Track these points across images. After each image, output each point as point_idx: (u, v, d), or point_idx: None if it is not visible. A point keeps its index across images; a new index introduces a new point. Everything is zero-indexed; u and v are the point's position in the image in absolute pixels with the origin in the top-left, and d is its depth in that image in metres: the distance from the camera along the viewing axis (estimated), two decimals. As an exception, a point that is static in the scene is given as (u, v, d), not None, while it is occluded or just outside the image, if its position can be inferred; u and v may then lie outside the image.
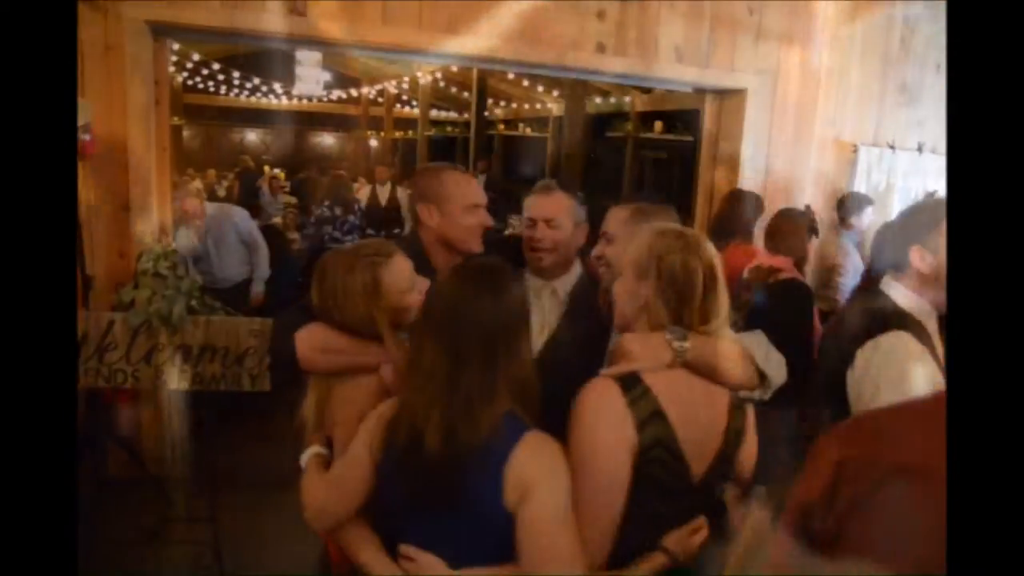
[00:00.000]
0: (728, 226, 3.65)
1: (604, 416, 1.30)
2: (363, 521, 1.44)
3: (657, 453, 1.31)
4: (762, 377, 1.47)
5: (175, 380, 2.81)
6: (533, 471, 1.24)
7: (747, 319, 1.90)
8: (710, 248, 1.43)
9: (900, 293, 1.68)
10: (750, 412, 1.52)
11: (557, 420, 1.53)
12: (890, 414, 1.01)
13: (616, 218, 1.92)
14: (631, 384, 1.32)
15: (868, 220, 4.36)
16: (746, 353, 1.45)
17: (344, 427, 1.52)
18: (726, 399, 1.43)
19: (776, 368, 1.50)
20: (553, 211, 1.96)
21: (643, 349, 1.36)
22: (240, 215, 4.72)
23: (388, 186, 7.04)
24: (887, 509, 0.91)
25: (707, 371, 1.39)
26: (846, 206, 4.39)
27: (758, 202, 3.87)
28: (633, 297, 1.44)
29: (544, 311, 1.97)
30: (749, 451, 1.53)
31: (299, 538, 3.18)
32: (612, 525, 1.30)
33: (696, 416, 1.37)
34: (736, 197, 3.96)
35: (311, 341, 1.58)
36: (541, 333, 1.93)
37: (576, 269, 2.04)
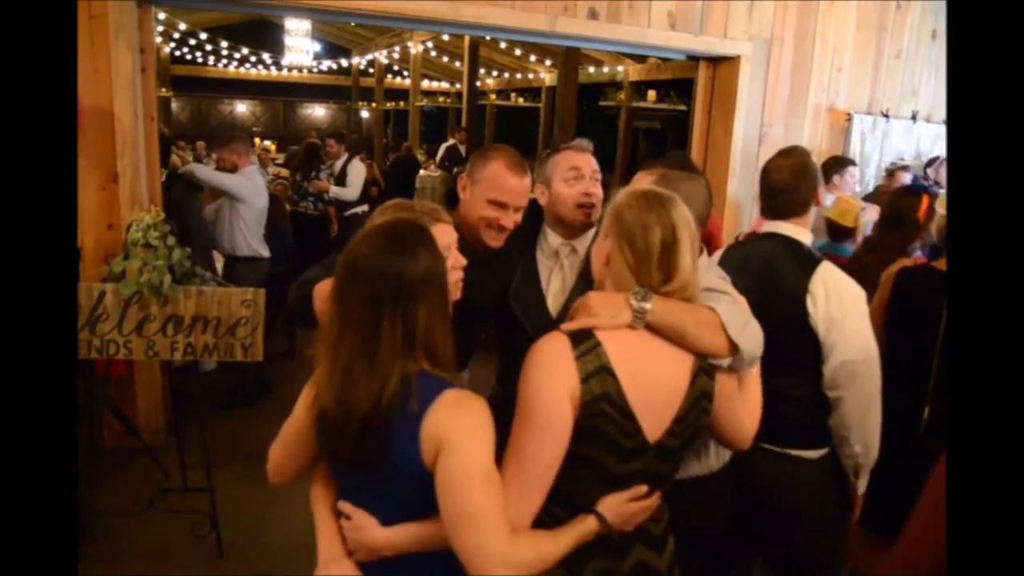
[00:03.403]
0: None
1: (548, 366, 1.31)
2: (323, 474, 1.48)
3: (602, 407, 1.30)
4: (735, 347, 1.43)
5: (167, 351, 2.80)
6: (449, 429, 1.22)
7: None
8: (678, 210, 1.40)
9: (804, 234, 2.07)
10: (753, 383, 1.52)
11: None
12: None
13: (639, 184, 1.89)
14: (581, 338, 1.33)
15: (852, 181, 4.39)
16: (718, 322, 1.42)
17: None
18: (689, 363, 1.40)
19: (751, 340, 1.46)
20: (596, 165, 1.96)
21: (602, 307, 1.36)
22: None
23: (341, 161, 6.66)
24: None
25: (674, 336, 1.37)
26: (828, 167, 4.41)
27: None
28: (599, 254, 1.46)
29: (565, 271, 1.97)
30: (740, 419, 1.53)
31: (295, 506, 3.23)
32: (547, 475, 1.30)
33: (651, 376, 1.36)
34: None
35: (323, 292, 1.55)
36: (563, 292, 1.94)
37: (590, 233, 2.01)
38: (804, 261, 2.00)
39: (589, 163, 1.96)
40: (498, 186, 1.87)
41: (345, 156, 6.67)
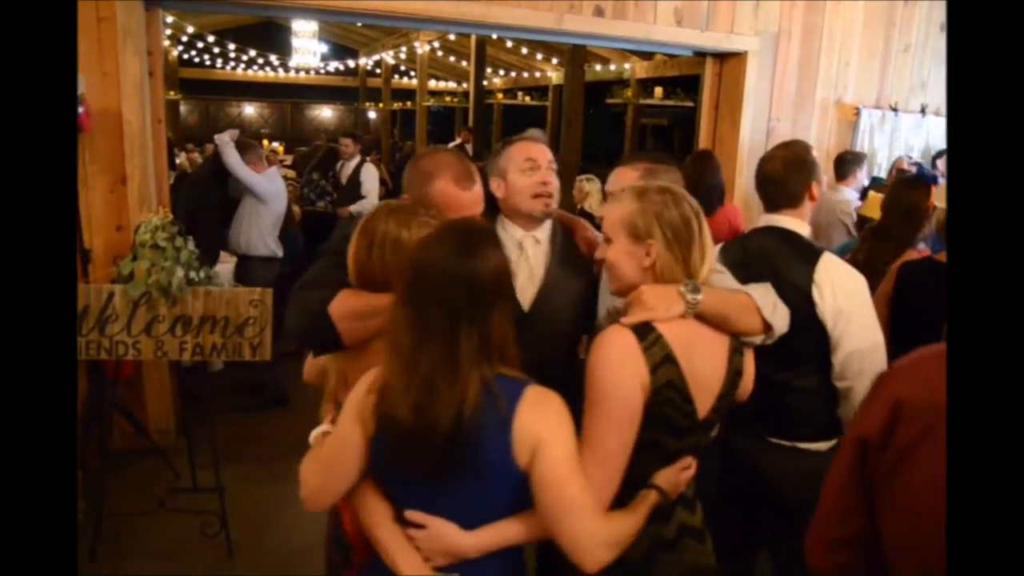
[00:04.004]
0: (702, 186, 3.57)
1: (622, 360, 1.37)
2: (375, 492, 1.40)
3: (668, 394, 1.40)
4: (767, 327, 1.57)
5: (176, 351, 2.82)
6: (540, 427, 1.26)
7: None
8: (691, 198, 1.52)
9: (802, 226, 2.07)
10: (748, 354, 1.61)
11: (554, 367, 1.59)
12: (943, 355, 0.98)
13: (624, 179, 1.92)
14: (645, 331, 1.40)
15: (862, 175, 4.39)
16: (754, 305, 1.56)
17: None
18: (727, 344, 1.52)
19: (781, 319, 1.61)
20: (551, 158, 1.98)
21: (658, 300, 1.43)
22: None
23: (354, 162, 6.35)
24: (940, 450, 0.90)
25: (719, 321, 1.49)
26: (847, 162, 4.39)
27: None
28: (633, 258, 1.50)
29: (531, 261, 1.98)
30: (746, 384, 1.64)
31: (303, 508, 3.24)
32: (623, 461, 1.38)
33: (702, 360, 1.46)
34: (701, 156, 3.89)
35: (347, 310, 1.53)
36: (532, 282, 1.96)
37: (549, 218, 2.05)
38: (805, 253, 2.00)
39: (544, 153, 1.98)
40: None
41: (358, 158, 6.46)
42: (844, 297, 1.91)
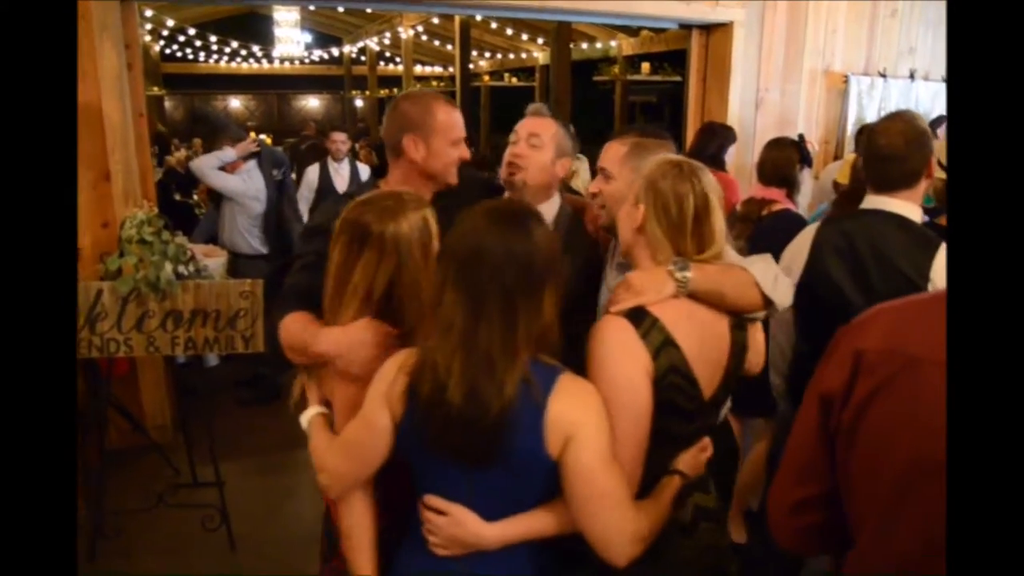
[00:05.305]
0: (696, 156, 3.58)
1: (622, 350, 1.34)
2: (366, 509, 1.41)
3: (672, 379, 1.36)
4: (768, 302, 1.49)
5: (168, 346, 2.79)
6: (574, 416, 1.21)
7: (746, 251, 1.88)
8: (707, 178, 1.45)
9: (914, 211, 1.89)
10: (753, 327, 1.56)
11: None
12: (907, 307, 1.00)
13: (614, 154, 1.85)
14: (640, 317, 1.36)
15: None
16: (752, 280, 1.48)
17: (345, 384, 1.44)
18: (726, 320, 1.47)
19: (783, 293, 1.53)
20: (539, 130, 1.95)
21: (646, 282, 1.39)
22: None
23: (346, 166, 5.41)
24: (900, 400, 0.91)
25: (714, 299, 1.43)
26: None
27: (730, 132, 3.82)
28: (630, 219, 1.48)
29: None
30: (756, 353, 1.59)
31: (305, 499, 3.24)
32: (642, 453, 1.35)
33: (703, 340, 1.42)
34: (703, 128, 3.91)
35: (287, 339, 1.59)
36: None
37: (557, 198, 2.03)
38: (921, 243, 1.84)
39: (525, 127, 1.98)
40: (455, 123, 1.90)
41: (347, 157, 5.53)
42: None
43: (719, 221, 1.45)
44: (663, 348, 1.35)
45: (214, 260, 4.51)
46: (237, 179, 4.46)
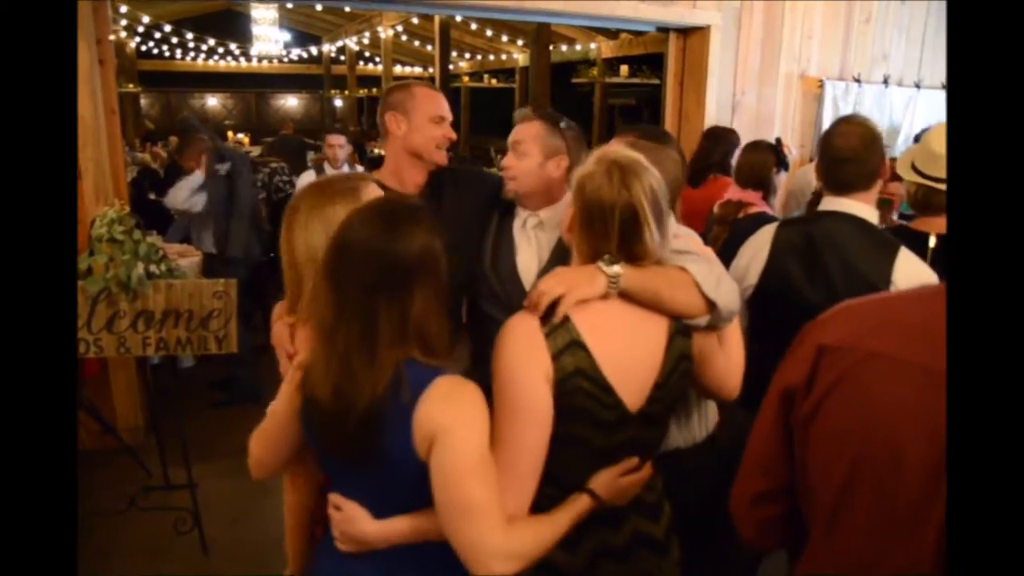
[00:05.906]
0: (705, 162, 3.62)
1: (519, 349, 1.28)
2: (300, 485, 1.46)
3: (578, 383, 1.28)
4: (712, 305, 1.40)
5: (139, 347, 2.75)
6: (441, 418, 1.17)
7: (720, 253, 1.86)
8: (643, 181, 1.32)
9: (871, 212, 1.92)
10: (710, 338, 1.47)
11: None
12: (871, 304, 1.02)
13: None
14: (550, 315, 1.30)
15: None
16: (692, 281, 1.38)
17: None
18: (664, 327, 1.37)
19: (727, 295, 1.43)
20: (522, 136, 1.94)
21: (571, 279, 1.32)
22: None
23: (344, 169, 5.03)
24: (855, 393, 0.93)
25: (649, 299, 1.34)
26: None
27: (734, 137, 3.84)
28: (566, 218, 1.43)
29: (533, 242, 1.95)
30: (722, 372, 1.50)
31: (278, 500, 3.20)
32: (538, 461, 1.27)
33: (626, 346, 1.33)
34: (708, 134, 3.94)
35: (274, 336, 1.56)
36: (533, 264, 1.92)
37: (566, 200, 2.00)
38: (881, 246, 1.85)
39: (511, 136, 1.96)
40: (435, 103, 2.01)
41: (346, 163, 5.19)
42: None
43: (649, 229, 1.32)
44: (568, 349, 1.27)
45: (188, 260, 4.47)
46: (202, 195, 4.42)
